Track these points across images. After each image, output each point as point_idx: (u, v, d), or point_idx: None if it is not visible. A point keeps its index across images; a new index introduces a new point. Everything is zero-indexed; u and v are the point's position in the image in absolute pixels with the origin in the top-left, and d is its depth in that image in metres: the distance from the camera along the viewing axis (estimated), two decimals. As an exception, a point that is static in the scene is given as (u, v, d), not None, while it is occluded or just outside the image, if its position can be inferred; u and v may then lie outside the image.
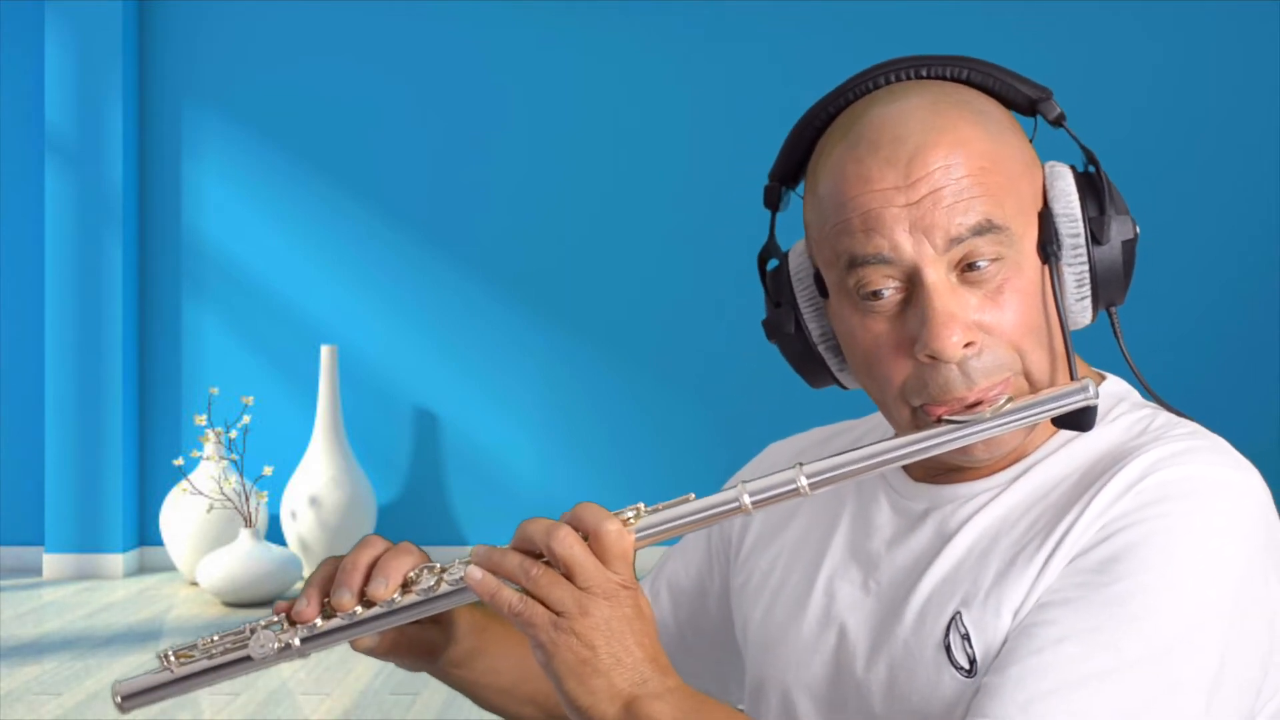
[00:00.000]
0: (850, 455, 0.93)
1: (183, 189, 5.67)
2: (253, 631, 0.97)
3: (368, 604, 0.96)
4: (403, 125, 5.67)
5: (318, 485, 5.27)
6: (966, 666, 0.93)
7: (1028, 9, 5.64)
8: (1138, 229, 0.96)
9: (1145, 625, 0.86)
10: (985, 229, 0.91)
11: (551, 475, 5.66)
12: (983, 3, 5.63)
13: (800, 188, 1.03)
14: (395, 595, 0.96)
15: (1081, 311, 0.97)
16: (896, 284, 0.93)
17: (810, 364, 1.03)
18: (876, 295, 0.93)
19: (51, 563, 5.48)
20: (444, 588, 0.95)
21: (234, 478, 5.20)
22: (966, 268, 0.92)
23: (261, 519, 5.12)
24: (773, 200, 1.04)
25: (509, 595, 0.91)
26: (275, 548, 4.96)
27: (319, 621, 0.96)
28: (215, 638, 0.98)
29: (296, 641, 0.96)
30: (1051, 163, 0.98)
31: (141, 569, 5.65)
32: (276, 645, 0.96)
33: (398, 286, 5.67)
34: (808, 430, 1.22)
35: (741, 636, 1.14)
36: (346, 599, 0.96)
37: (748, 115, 5.61)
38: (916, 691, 0.96)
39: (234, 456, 5.28)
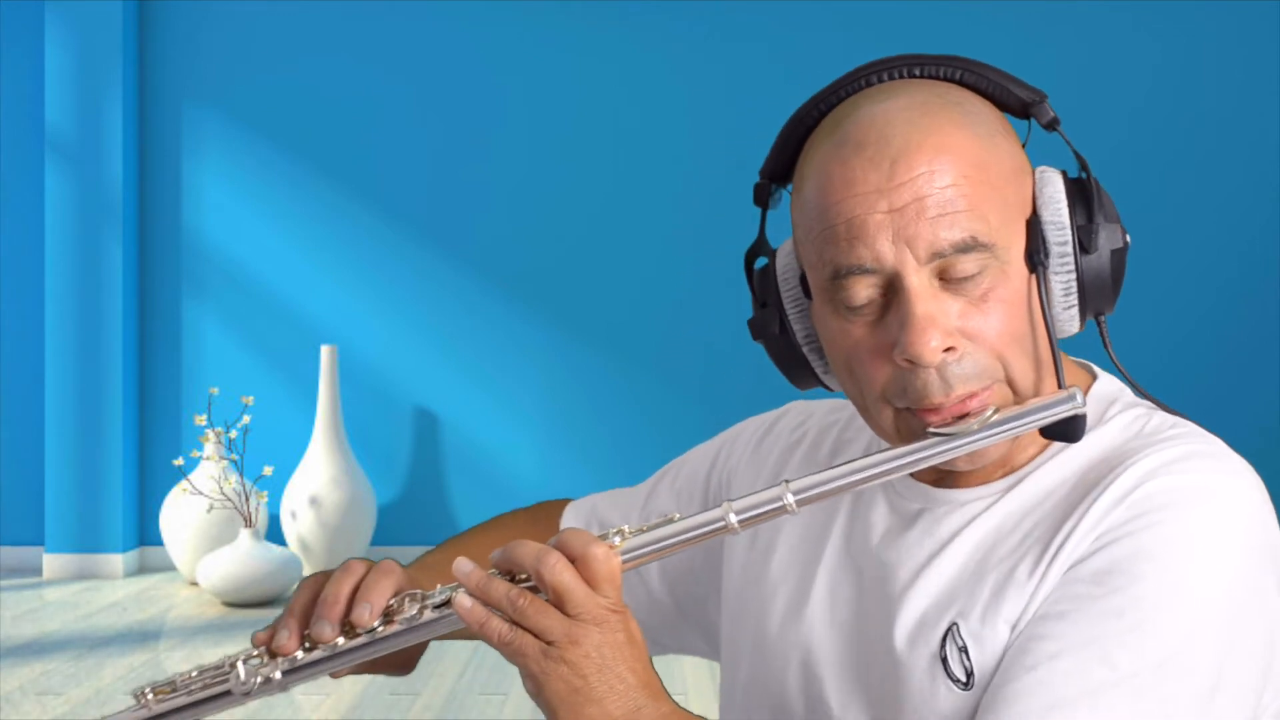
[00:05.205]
0: (836, 471, 0.93)
1: (183, 189, 5.67)
2: (232, 666, 0.95)
3: (349, 633, 0.94)
4: (403, 125, 5.67)
5: (318, 485, 5.27)
6: (964, 679, 0.93)
7: (1026, 9, 5.63)
8: (1128, 238, 0.95)
9: (1139, 638, 0.86)
10: (969, 247, 0.90)
11: (551, 475, 5.66)
12: (981, 3, 5.63)
13: (791, 186, 1.03)
14: (377, 624, 0.94)
15: (1069, 320, 0.96)
16: (878, 288, 0.92)
17: (795, 365, 1.03)
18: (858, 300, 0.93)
19: (51, 563, 5.48)
20: (427, 615, 0.93)
21: (234, 478, 5.20)
22: (950, 275, 0.91)
23: (261, 519, 5.12)
24: (762, 197, 1.03)
25: (498, 624, 0.89)
26: (275, 548, 4.96)
27: (300, 654, 0.95)
28: (194, 673, 0.97)
29: (278, 675, 0.95)
30: (1042, 168, 0.97)
31: (141, 569, 5.65)
32: (257, 680, 0.94)
33: (398, 286, 5.67)
34: (822, 399, 1.21)
35: (730, 624, 1.13)
36: (327, 631, 0.94)
37: (747, 115, 5.60)
38: (909, 701, 0.95)
39: (234, 456, 5.28)
